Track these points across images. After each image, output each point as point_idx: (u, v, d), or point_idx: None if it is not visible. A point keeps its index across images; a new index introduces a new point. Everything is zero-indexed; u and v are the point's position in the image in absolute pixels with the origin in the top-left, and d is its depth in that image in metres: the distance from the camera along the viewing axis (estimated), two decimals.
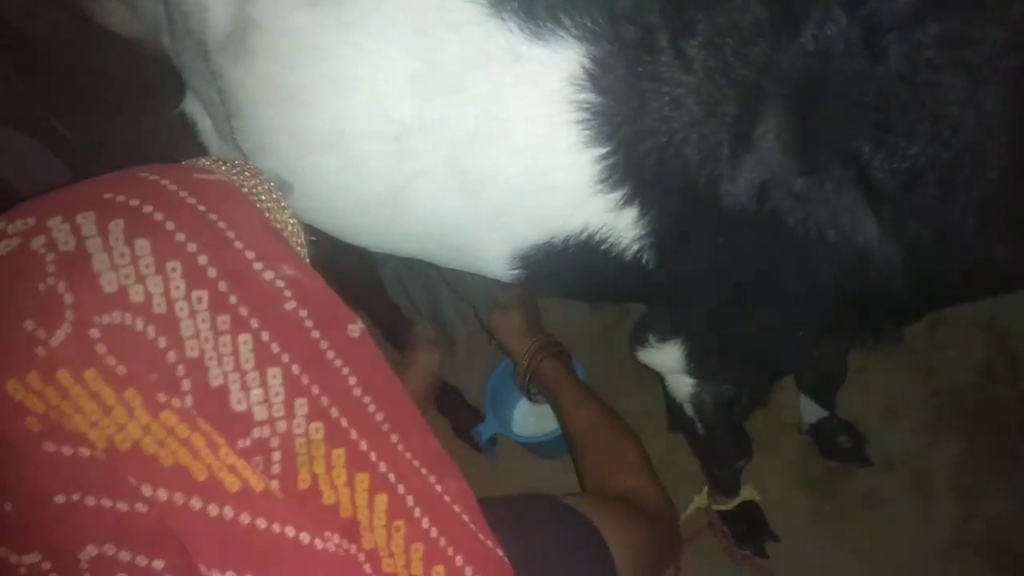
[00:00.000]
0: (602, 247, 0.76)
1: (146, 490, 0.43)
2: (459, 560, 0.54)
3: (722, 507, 1.27)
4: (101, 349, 0.44)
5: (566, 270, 0.80)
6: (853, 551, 1.37)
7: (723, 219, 0.71)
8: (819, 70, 0.66)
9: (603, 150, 0.70)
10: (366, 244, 0.85)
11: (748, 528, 1.30)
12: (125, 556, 0.44)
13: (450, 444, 1.40)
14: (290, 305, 0.51)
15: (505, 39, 0.69)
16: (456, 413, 1.40)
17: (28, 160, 1.14)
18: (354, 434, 0.51)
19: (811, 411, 1.34)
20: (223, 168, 0.62)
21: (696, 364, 0.91)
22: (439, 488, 0.55)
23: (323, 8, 0.71)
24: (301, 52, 0.72)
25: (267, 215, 0.61)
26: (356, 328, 0.54)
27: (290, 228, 0.64)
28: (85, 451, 0.43)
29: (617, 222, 0.74)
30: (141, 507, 0.44)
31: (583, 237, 0.76)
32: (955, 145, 0.65)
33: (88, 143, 1.20)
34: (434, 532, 0.53)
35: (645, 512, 0.86)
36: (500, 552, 0.58)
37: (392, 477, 0.52)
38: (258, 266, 0.51)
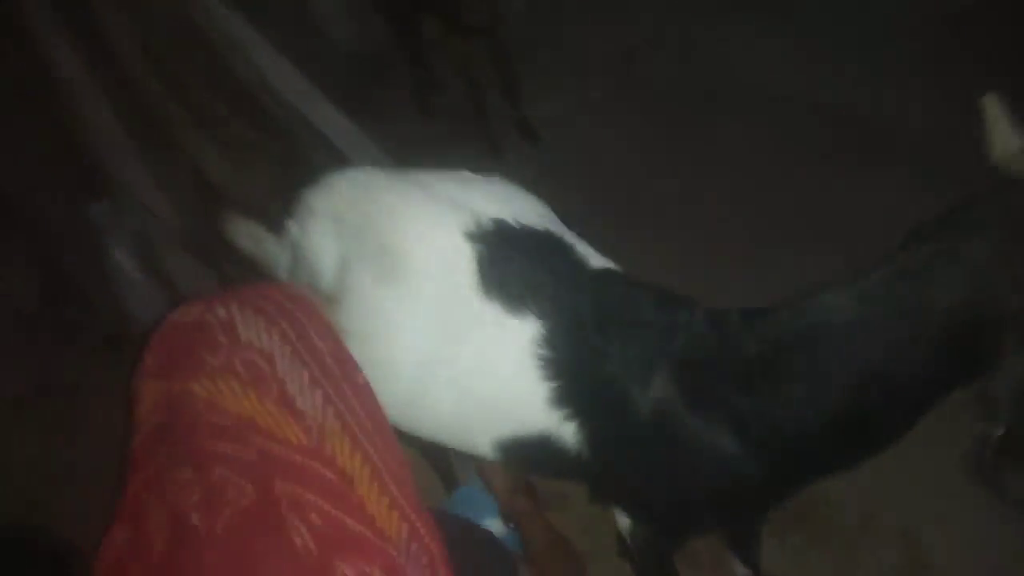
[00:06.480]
0: (554, 445, 1.16)
1: (255, 441, 0.81)
2: (406, 507, 0.87)
3: None
4: (239, 368, 0.85)
5: (532, 457, 1.21)
6: None
7: (634, 433, 1.13)
8: (693, 355, 1.10)
9: (554, 384, 1.13)
10: (402, 427, 1.20)
11: None
12: (234, 479, 0.79)
13: None
14: (335, 370, 0.93)
15: (494, 311, 1.14)
16: None
17: None
18: (357, 432, 0.88)
19: (740, 569, 1.69)
20: (304, 290, 1.06)
21: (629, 514, 1.32)
22: (397, 469, 0.91)
23: (388, 285, 1.17)
24: (373, 309, 1.17)
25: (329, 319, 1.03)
26: (362, 377, 0.97)
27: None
28: (228, 421, 0.81)
29: (563, 430, 1.15)
30: (246, 453, 0.80)
31: (541, 437, 1.16)
32: (807, 407, 1.06)
33: None
34: (394, 490, 0.87)
35: None
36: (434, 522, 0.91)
37: (375, 458, 0.88)
38: (323, 349, 0.94)
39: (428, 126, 3.29)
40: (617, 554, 1.57)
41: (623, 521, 1.39)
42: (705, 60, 3.29)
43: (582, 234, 1.30)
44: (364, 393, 0.95)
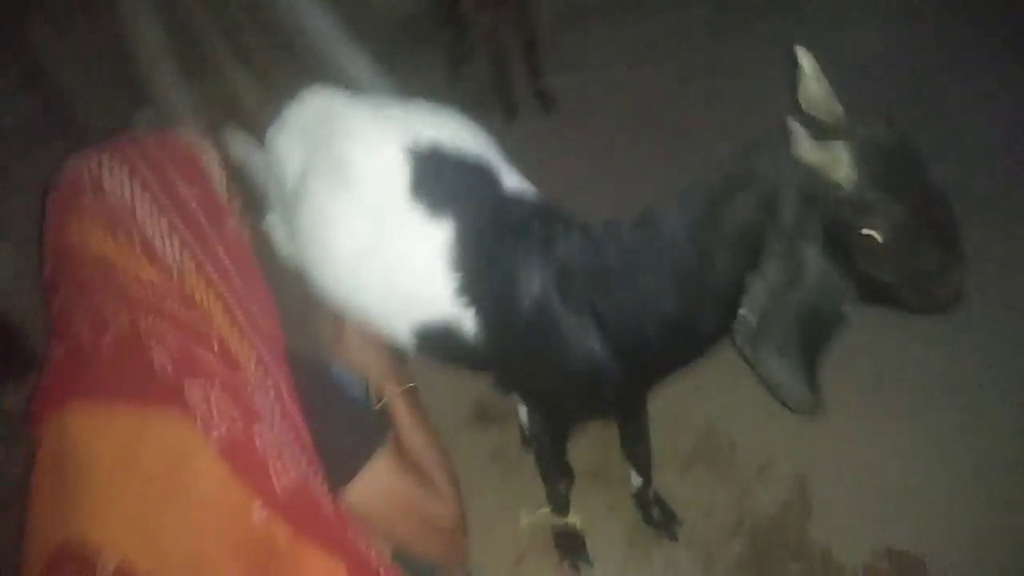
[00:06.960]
0: (458, 332, 1.41)
1: (118, 280, 0.93)
2: (255, 341, 1.00)
3: (555, 522, 1.88)
4: (100, 216, 0.96)
5: (440, 343, 1.46)
6: None
7: (519, 325, 1.36)
8: (567, 261, 1.34)
9: (459, 275, 1.39)
10: (337, 303, 1.50)
11: (571, 545, 1.90)
12: (112, 309, 0.92)
13: None
14: (199, 217, 1.04)
15: (419, 214, 1.41)
16: None
17: None
18: (213, 273, 1.00)
19: (635, 479, 1.94)
20: (185, 139, 1.14)
21: (523, 401, 1.57)
22: (256, 310, 1.04)
23: (337, 190, 1.45)
24: (323, 209, 1.46)
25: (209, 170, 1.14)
26: (230, 224, 1.07)
27: (220, 178, 1.15)
28: (97, 264, 0.92)
29: (464, 319, 1.40)
30: (113, 290, 0.92)
31: (448, 324, 1.42)
32: (646, 304, 1.28)
33: None
34: (246, 326, 0.99)
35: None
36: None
37: (229, 297, 1.00)
38: (189, 197, 1.04)
39: (453, 90, 3.57)
40: (521, 443, 1.83)
41: (523, 413, 1.65)
42: (725, 59, 3.47)
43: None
44: (230, 239, 1.06)
